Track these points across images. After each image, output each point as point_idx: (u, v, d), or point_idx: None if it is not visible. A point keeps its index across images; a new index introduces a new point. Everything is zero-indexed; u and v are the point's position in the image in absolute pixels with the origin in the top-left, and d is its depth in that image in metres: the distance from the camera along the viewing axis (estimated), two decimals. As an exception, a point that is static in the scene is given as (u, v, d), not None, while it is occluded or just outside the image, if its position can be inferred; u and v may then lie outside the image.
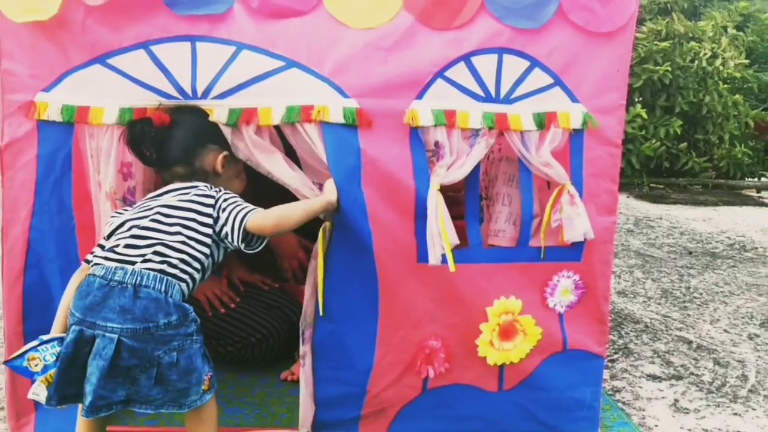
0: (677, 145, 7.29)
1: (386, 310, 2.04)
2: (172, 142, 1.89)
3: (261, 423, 2.27)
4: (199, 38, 1.88)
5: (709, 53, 7.40)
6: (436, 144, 1.98)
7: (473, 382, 2.16)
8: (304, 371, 2.09)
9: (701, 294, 3.98)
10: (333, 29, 1.92)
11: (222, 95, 1.90)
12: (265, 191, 2.19)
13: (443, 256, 1.94)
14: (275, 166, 1.94)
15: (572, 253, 2.12)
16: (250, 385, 2.53)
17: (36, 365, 1.67)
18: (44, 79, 1.91)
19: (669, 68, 7.00)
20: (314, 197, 1.92)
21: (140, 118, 1.89)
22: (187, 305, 1.72)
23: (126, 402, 1.68)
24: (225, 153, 1.93)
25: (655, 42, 7.16)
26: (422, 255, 1.99)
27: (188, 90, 1.90)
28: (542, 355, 2.16)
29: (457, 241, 1.98)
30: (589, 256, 2.12)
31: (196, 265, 1.77)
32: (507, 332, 2.10)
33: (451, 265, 1.93)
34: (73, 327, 1.66)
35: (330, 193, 1.90)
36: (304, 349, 2.07)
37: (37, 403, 2.09)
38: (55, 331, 1.76)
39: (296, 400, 2.17)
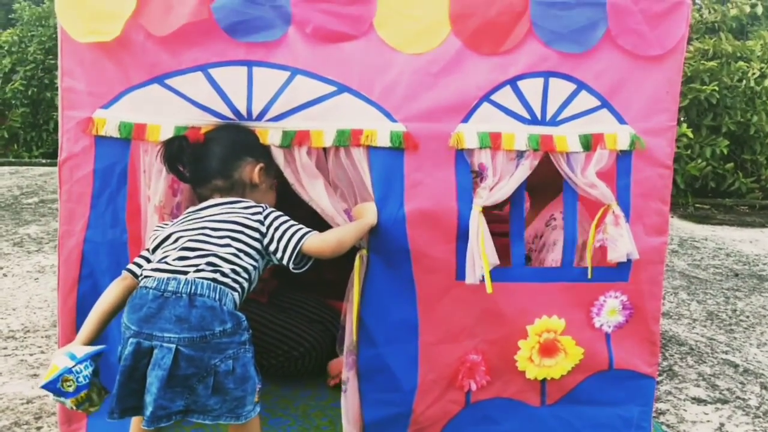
0: (723, 166, 7.18)
1: (426, 328, 2.07)
2: (209, 156, 1.95)
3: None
4: (256, 63, 1.96)
5: (758, 73, 7.28)
6: (480, 166, 2.02)
7: (515, 396, 2.17)
8: (346, 396, 2.11)
9: (748, 317, 3.91)
10: (383, 54, 1.98)
11: (276, 118, 1.98)
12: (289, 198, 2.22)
13: (482, 276, 1.97)
14: (316, 191, 2.01)
15: (619, 273, 2.12)
16: (293, 397, 2.56)
17: (69, 386, 1.69)
18: (103, 96, 1.99)
19: (716, 88, 6.90)
20: (346, 222, 1.98)
21: (176, 136, 1.95)
22: (240, 314, 1.76)
23: (185, 412, 1.71)
24: (261, 164, 1.98)
25: (702, 61, 7.08)
26: (461, 274, 2.03)
27: (244, 112, 1.98)
28: (585, 372, 2.16)
29: (497, 262, 2.01)
30: (638, 277, 2.12)
31: (245, 275, 1.81)
32: (548, 350, 2.12)
33: (489, 287, 1.97)
34: (131, 340, 1.69)
35: (372, 215, 1.96)
36: (348, 374, 2.11)
37: (89, 409, 2.15)
38: (81, 337, 1.78)
39: (339, 412, 2.20)
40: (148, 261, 1.85)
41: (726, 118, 7.08)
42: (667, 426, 2.57)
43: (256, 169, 1.97)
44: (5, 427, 2.37)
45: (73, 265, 2.08)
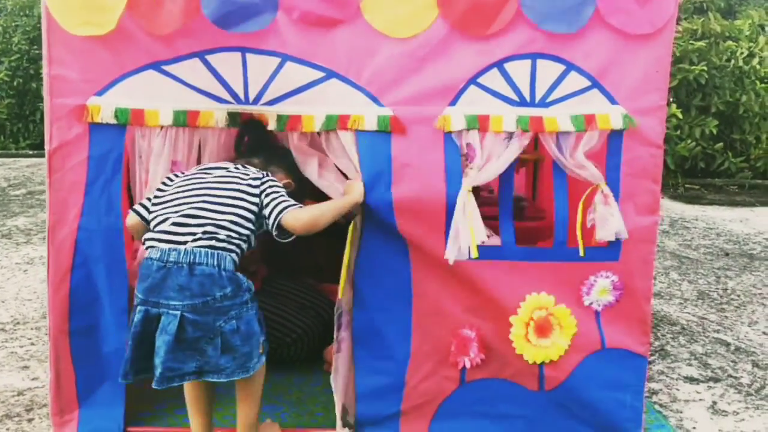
0: (713, 146, 7.19)
1: (419, 298, 2.11)
2: (269, 146, 2.14)
3: (298, 422, 2.30)
4: (248, 50, 1.99)
5: (746, 52, 7.28)
6: (468, 146, 2.03)
7: (513, 379, 2.18)
8: (340, 357, 2.16)
9: (739, 296, 3.93)
10: (370, 39, 2.00)
11: (271, 102, 2.01)
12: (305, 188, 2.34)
13: (465, 252, 2.02)
14: (309, 169, 2.09)
15: (610, 253, 2.12)
16: (286, 383, 2.56)
17: None
18: (97, 83, 1.99)
19: (705, 68, 6.90)
20: (341, 198, 2.03)
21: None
22: (240, 276, 1.87)
23: (199, 373, 1.85)
24: (290, 181, 2.12)
25: (691, 41, 7.07)
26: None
27: (241, 95, 2.01)
28: (581, 353, 2.17)
29: (485, 238, 2.04)
30: (628, 256, 2.12)
31: (243, 238, 1.92)
32: (543, 328, 2.12)
33: (474, 251, 2.02)
34: (139, 308, 1.84)
35: (357, 193, 1.99)
36: (342, 334, 2.15)
37: (80, 401, 2.15)
38: None
39: (332, 398, 2.20)
40: (149, 212, 1.95)
41: (715, 98, 7.09)
42: (660, 405, 2.58)
43: (284, 181, 2.08)
44: (-4, 419, 2.36)
45: (66, 253, 2.07)
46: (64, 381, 2.14)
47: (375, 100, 2.00)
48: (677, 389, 2.73)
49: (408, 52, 2.00)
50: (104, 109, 1.98)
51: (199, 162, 2.13)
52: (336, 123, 2.00)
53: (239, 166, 2.01)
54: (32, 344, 2.98)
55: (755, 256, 4.80)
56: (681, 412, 2.54)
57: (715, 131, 7.02)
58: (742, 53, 7.27)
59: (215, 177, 1.98)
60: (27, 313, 3.37)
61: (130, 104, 1.99)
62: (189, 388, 1.98)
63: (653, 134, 2.10)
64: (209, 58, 1.98)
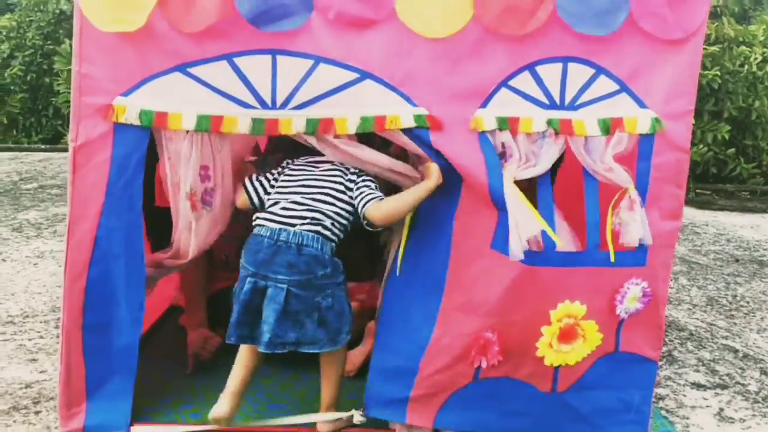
0: (725, 151, 7.15)
1: (450, 291, 2.12)
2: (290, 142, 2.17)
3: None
4: (280, 52, 1.98)
5: (760, 58, 7.24)
6: (503, 145, 2.04)
7: (526, 379, 2.17)
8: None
9: (748, 302, 3.91)
10: (405, 40, 1.99)
11: (300, 106, 2.01)
12: None
13: (525, 252, 1.99)
14: (366, 153, 2.12)
15: (637, 258, 2.11)
16: (293, 381, 2.56)
17: None
18: (123, 83, 2.00)
19: (718, 73, 6.87)
20: (414, 184, 2.09)
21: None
22: (336, 259, 2.12)
23: (296, 344, 2.07)
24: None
25: (704, 46, 7.03)
26: (497, 241, 2.04)
27: (268, 100, 2.00)
28: (594, 356, 2.16)
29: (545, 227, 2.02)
30: (652, 261, 2.11)
31: (341, 229, 2.15)
32: (567, 335, 2.11)
33: (557, 239, 2.02)
34: (248, 279, 2.07)
35: (435, 176, 2.04)
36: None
37: (88, 394, 2.16)
38: None
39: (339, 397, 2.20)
40: (268, 188, 2.19)
41: (728, 104, 7.05)
42: (667, 411, 2.57)
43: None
44: (4, 411, 2.38)
45: (85, 249, 2.08)
46: (73, 374, 2.15)
47: (409, 100, 2.01)
48: (684, 395, 2.72)
49: (442, 53, 2.00)
50: (129, 110, 1.99)
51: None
52: (372, 124, 2.01)
53: (342, 166, 2.19)
54: (41, 337, 3.00)
55: (765, 262, 4.78)
56: (687, 419, 2.53)
57: (727, 137, 6.97)
58: (755, 58, 7.22)
59: (322, 171, 2.18)
60: (36, 306, 3.39)
61: (154, 106, 1.99)
62: (247, 351, 2.15)
63: (681, 139, 2.11)
64: (237, 60, 1.98)
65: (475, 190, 2.03)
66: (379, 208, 2.07)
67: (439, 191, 2.04)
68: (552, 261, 2.07)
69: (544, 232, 2.04)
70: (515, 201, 1.99)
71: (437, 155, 2.02)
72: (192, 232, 2.18)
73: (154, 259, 2.24)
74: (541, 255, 2.06)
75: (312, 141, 2.07)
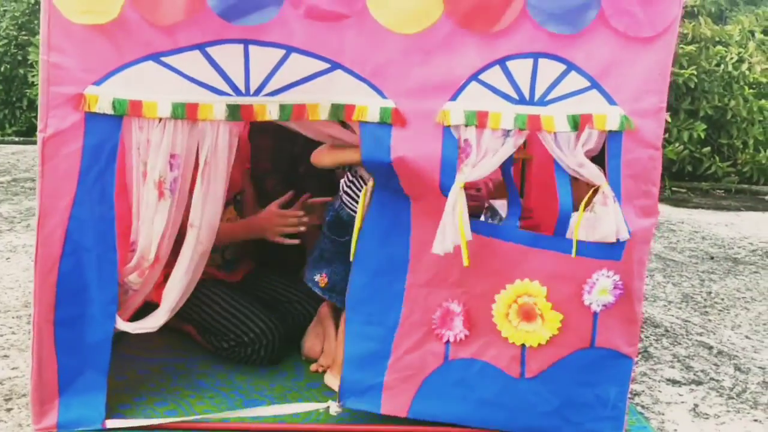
0: (700, 150, 7.22)
1: (415, 268, 2.15)
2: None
3: (279, 417, 2.28)
4: (251, 42, 1.98)
5: (736, 57, 7.33)
6: (465, 142, 2.05)
7: (494, 362, 2.19)
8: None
9: (722, 299, 3.95)
10: (376, 34, 2.01)
11: (274, 93, 2.02)
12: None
13: (452, 247, 2.03)
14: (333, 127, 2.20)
15: (613, 251, 2.11)
16: (269, 378, 2.55)
17: None
18: (95, 73, 1.98)
19: (694, 72, 6.94)
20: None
21: None
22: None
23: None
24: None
25: (681, 45, 7.10)
26: None
27: (242, 87, 2.00)
28: (567, 348, 2.18)
29: (470, 238, 2.05)
30: (628, 256, 2.12)
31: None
32: (526, 314, 2.14)
33: (465, 260, 2.02)
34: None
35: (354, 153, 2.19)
36: None
37: (61, 390, 2.13)
38: None
39: (315, 394, 2.21)
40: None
41: (703, 103, 7.12)
42: (642, 407, 2.59)
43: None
44: (-26, 408, 2.33)
45: (56, 242, 2.05)
46: (45, 370, 2.12)
47: (379, 92, 2.03)
48: (659, 391, 2.74)
49: (412, 47, 2.02)
50: (102, 99, 1.97)
51: (197, 156, 2.11)
52: (342, 113, 2.04)
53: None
54: (13, 333, 2.96)
55: (740, 260, 4.83)
56: (663, 414, 2.55)
57: (703, 135, 7.05)
58: (731, 58, 7.30)
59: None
60: (8, 301, 3.34)
61: (128, 95, 1.98)
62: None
63: (652, 136, 2.11)
64: (210, 50, 1.98)
65: (427, 184, 2.05)
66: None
67: (385, 186, 2.10)
68: (514, 238, 2.12)
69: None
70: (453, 207, 2.02)
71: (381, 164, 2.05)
72: (153, 224, 2.13)
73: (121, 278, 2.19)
74: (502, 229, 2.13)
75: (292, 126, 2.14)
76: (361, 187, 2.30)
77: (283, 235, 2.61)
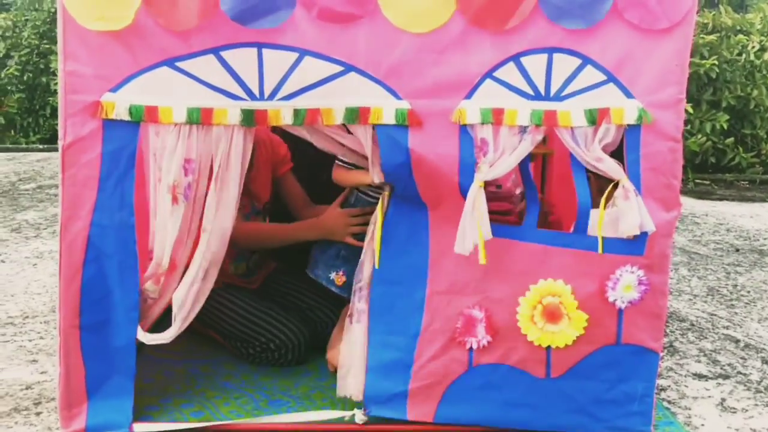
0: (723, 141, 7.15)
1: (434, 276, 2.14)
2: None
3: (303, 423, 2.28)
4: (265, 45, 1.99)
5: (758, 46, 7.23)
6: (482, 141, 2.04)
7: (520, 365, 2.18)
8: (353, 330, 2.23)
9: (749, 292, 3.91)
10: (389, 34, 2.01)
11: (287, 97, 2.02)
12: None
13: (472, 246, 2.03)
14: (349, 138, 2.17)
15: (635, 246, 2.10)
16: (293, 378, 2.56)
17: None
18: (111, 80, 2.00)
19: (716, 62, 6.86)
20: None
21: None
22: None
23: None
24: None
25: (702, 35, 7.03)
26: None
27: (256, 92, 2.02)
28: (593, 345, 2.17)
29: (490, 236, 2.04)
30: (651, 251, 2.11)
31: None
32: (552, 315, 2.13)
33: (482, 257, 2.02)
34: None
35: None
36: (360, 306, 2.22)
37: (89, 394, 2.16)
38: None
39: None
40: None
41: (726, 93, 7.04)
42: (669, 402, 2.57)
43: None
44: (5, 413, 2.37)
45: (78, 249, 2.08)
46: (73, 375, 2.15)
47: (393, 93, 2.03)
48: (686, 386, 2.72)
49: (426, 47, 2.01)
50: (118, 105, 1.99)
51: (212, 161, 2.10)
52: (357, 116, 2.04)
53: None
54: (41, 338, 3.00)
55: (765, 252, 4.78)
56: (689, 409, 2.53)
57: (725, 126, 6.97)
58: (753, 47, 7.21)
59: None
60: (36, 307, 3.39)
61: (144, 101, 2.00)
62: None
63: (672, 128, 2.09)
64: (224, 54, 1.99)
65: (446, 185, 2.05)
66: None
67: (402, 194, 2.11)
68: (534, 238, 2.11)
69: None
70: (472, 206, 2.01)
71: (399, 155, 2.04)
72: (167, 229, 2.11)
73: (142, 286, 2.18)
74: (521, 230, 2.11)
75: (303, 133, 2.10)
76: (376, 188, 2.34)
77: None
